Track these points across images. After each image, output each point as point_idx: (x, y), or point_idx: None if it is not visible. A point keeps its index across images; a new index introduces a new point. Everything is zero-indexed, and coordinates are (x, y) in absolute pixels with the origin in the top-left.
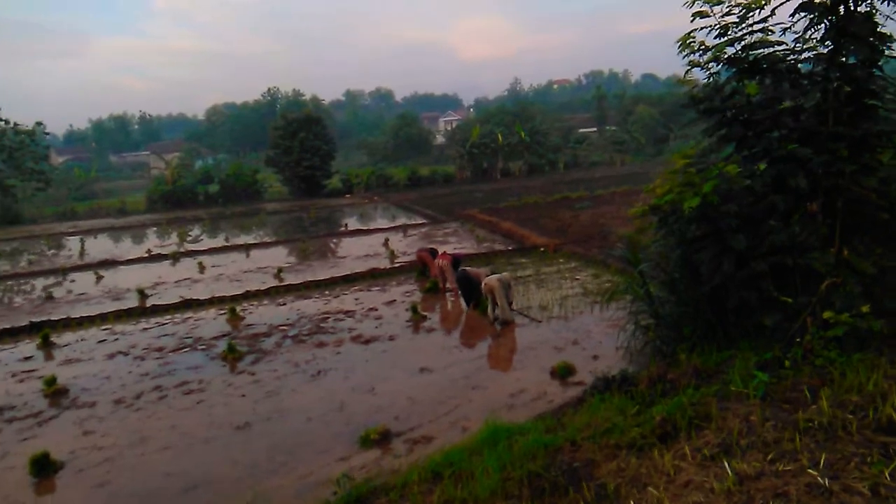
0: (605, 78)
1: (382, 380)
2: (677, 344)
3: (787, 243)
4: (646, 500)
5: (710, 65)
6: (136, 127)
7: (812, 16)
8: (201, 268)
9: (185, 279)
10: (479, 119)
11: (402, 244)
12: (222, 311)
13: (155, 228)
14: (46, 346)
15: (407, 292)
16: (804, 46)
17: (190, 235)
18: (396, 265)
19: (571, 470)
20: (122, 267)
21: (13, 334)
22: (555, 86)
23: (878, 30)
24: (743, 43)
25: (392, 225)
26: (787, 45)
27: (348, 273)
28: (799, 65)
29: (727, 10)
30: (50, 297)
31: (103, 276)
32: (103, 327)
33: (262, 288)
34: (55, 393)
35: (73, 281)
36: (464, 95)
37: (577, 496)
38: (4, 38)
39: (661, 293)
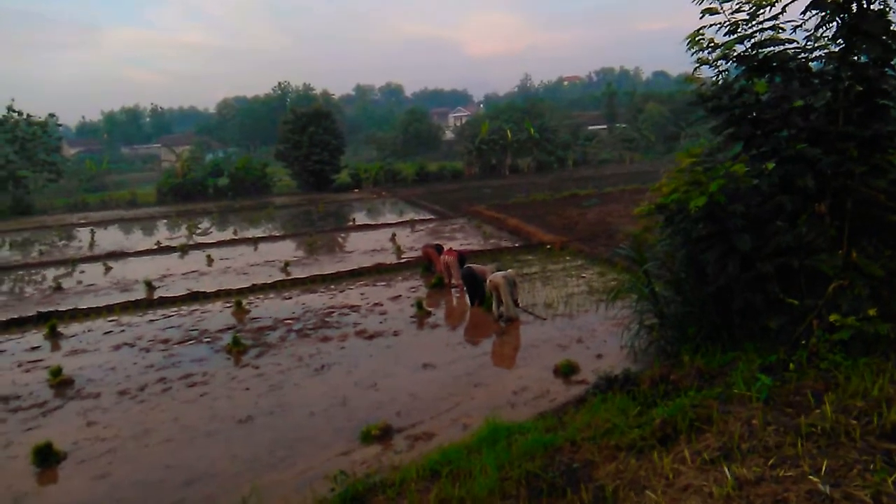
0: (615, 75)
1: (385, 375)
2: (681, 344)
3: (794, 244)
4: (644, 503)
5: (719, 62)
6: (148, 119)
7: (824, 13)
8: (209, 260)
9: (193, 271)
10: (489, 115)
11: (408, 240)
12: (228, 304)
13: (165, 221)
14: (53, 337)
15: (412, 288)
16: (815, 45)
17: (199, 228)
18: (402, 260)
19: (570, 471)
20: (131, 258)
21: (21, 324)
22: (565, 82)
23: (892, 28)
24: (753, 40)
25: (399, 220)
26: (797, 43)
27: (354, 268)
28: (810, 63)
29: (737, 6)
30: (59, 288)
31: (112, 268)
32: (110, 318)
33: (269, 281)
34: (60, 383)
35: (83, 272)
36: (474, 91)
37: (574, 498)
38: (19, 30)
39: (666, 293)
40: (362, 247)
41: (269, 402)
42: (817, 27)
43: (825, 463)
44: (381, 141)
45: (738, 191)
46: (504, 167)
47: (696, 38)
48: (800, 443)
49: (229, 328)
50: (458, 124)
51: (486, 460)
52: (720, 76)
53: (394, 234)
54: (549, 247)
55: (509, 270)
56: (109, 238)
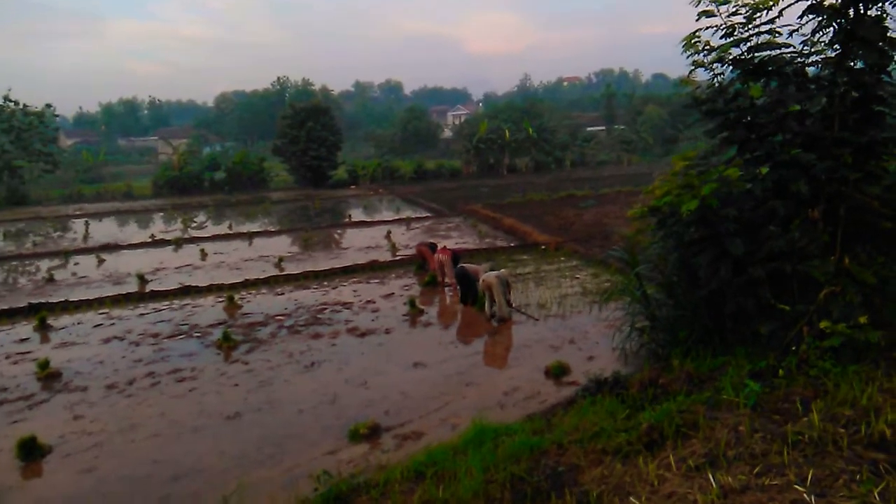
0: (615, 77)
1: (376, 373)
2: (672, 348)
3: (787, 250)
4: None
5: (715, 65)
6: (146, 112)
7: (821, 18)
8: (203, 255)
9: (187, 265)
10: (488, 114)
11: (404, 237)
12: (220, 299)
13: (160, 214)
14: (43, 329)
15: (406, 286)
16: (812, 49)
17: (194, 222)
18: (397, 258)
19: (555, 474)
20: (124, 251)
21: (11, 315)
22: (565, 83)
23: (889, 34)
24: (749, 44)
25: (396, 217)
26: (794, 47)
27: (348, 265)
28: (806, 68)
29: (734, 9)
30: (51, 280)
31: (105, 260)
32: (101, 311)
33: (262, 277)
34: (48, 376)
35: (77, 264)
36: (473, 90)
37: (558, 502)
38: (17, 19)
39: (658, 295)
40: (357, 244)
41: (258, 398)
42: (814, 32)
43: (811, 472)
44: (379, 138)
45: (732, 195)
46: (502, 166)
47: (692, 41)
48: (786, 451)
49: (220, 323)
50: (457, 123)
51: (472, 462)
52: (716, 79)
53: (389, 232)
54: (543, 247)
55: (503, 270)
56: (104, 230)
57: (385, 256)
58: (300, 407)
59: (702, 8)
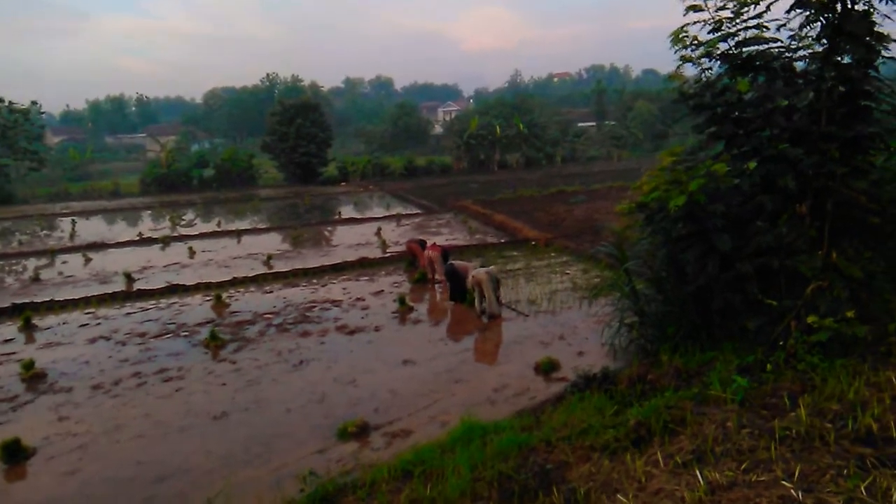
0: (605, 72)
1: (365, 371)
2: (661, 343)
3: (774, 245)
4: None
5: (703, 60)
6: (134, 109)
7: (808, 13)
8: (191, 253)
9: (174, 264)
10: (478, 110)
11: (394, 234)
12: (208, 298)
13: (148, 212)
14: (28, 329)
15: (395, 283)
16: (799, 44)
17: (183, 220)
18: (387, 255)
19: (543, 472)
20: (111, 250)
21: None
22: (555, 79)
23: (876, 29)
24: (737, 39)
25: (386, 214)
26: (781, 42)
27: (338, 262)
28: (793, 63)
29: (721, 4)
30: (37, 279)
31: (92, 259)
32: (86, 311)
33: (250, 275)
34: (33, 377)
35: (65, 262)
36: (464, 86)
37: (546, 500)
38: (2, 15)
39: (647, 291)
40: (347, 241)
41: (246, 397)
42: (801, 27)
43: (798, 467)
44: (369, 134)
45: (719, 190)
46: (492, 162)
47: (680, 36)
48: (773, 446)
49: (208, 322)
50: (448, 119)
51: (460, 460)
52: (703, 74)
53: (379, 229)
54: (534, 243)
55: (492, 267)
56: (91, 229)
57: (375, 253)
58: (288, 406)
59: (690, 2)
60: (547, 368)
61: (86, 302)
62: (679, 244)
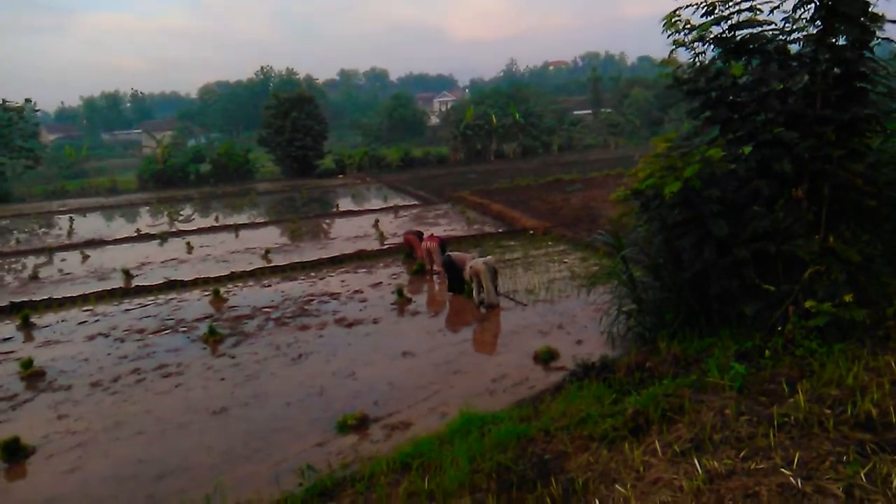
0: (601, 60)
1: (364, 364)
2: (659, 330)
3: (771, 230)
4: (613, 497)
5: (696, 44)
6: (129, 105)
7: None
8: (189, 248)
9: (172, 259)
10: (474, 100)
11: (392, 226)
12: (206, 293)
13: (146, 208)
14: (26, 327)
15: (394, 275)
16: (793, 26)
17: (181, 215)
18: (385, 247)
19: (541, 462)
20: (109, 247)
21: None
22: (551, 67)
23: (870, 9)
24: (730, 22)
25: (383, 206)
26: (775, 24)
27: (336, 255)
28: (787, 45)
29: None
30: (35, 277)
31: (90, 256)
32: (85, 308)
33: (249, 269)
34: (31, 375)
35: (63, 260)
36: (459, 76)
37: (544, 491)
38: None
39: (645, 278)
40: (345, 233)
41: (245, 392)
42: (795, 8)
43: (797, 454)
44: (365, 126)
45: (715, 176)
46: (489, 152)
47: (673, 20)
48: (772, 433)
49: (206, 317)
50: (444, 109)
51: (458, 452)
52: (697, 59)
53: (377, 221)
54: (531, 232)
55: (490, 257)
56: (89, 226)
57: (373, 245)
58: (287, 400)
59: None
60: (546, 358)
61: (84, 299)
62: (675, 230)
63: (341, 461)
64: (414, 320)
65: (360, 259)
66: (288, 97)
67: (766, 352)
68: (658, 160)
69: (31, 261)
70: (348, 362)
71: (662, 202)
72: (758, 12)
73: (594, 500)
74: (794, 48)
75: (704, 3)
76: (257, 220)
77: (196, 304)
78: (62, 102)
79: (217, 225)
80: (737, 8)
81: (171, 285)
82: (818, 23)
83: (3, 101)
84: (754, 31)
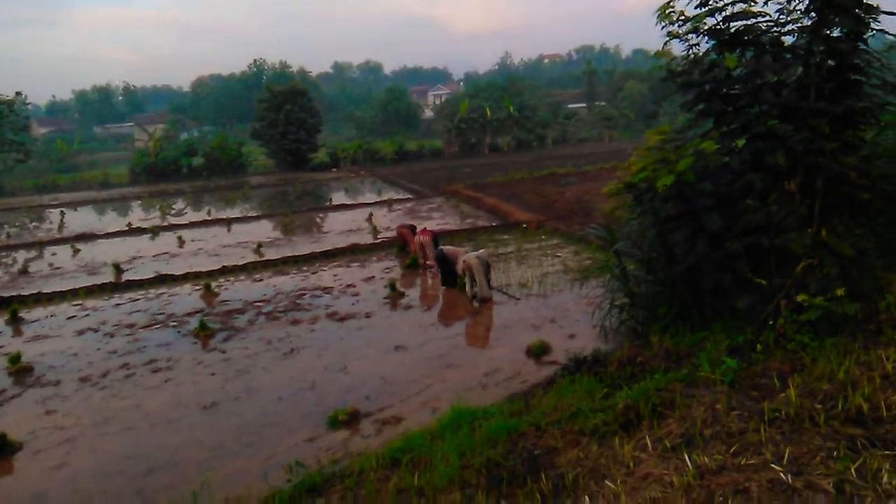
0: (595, 53)
1: (356, 358)
2: (651, 324)
3: (764, 223)
4: (603, 493)
5: (690, 36)
6: (120, 98)
7: None
8: (181, 242)
9: (164, 253)
10: (468, 93)
11: (385, 219)
12: (197, 287)
13: (138, 202)
14: (14, 322)
15: (387, 268)
16: (787, 18)
17: (173, 209)
18: (378, 241)
19: (532, 458)
20: (100, 241)
21: None
22: (545, 60)
23: (864, 1)
24: (724, 14)
25: (377, 200)
26: (769, 16)
27: (329, 248)
28: (782, 37)
29: None
30: (25, 271)
31: (80, 250)
32: (74, 303)
33: (240, 263)
34: (19, 371)
35: (54, 254)
36: (453, 69)
37: (533, 486)
38: None
39: (638, 272)
40: (338, 227)
41: (236, 387)
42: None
43: (788, 450)
44: (359, 119)
45: (708, 169)
46: (483, 146)
47: (667, 11)
48: (763, 429)
49: (197, 311)
50: (438, 102)
51: (448, 448)
52: (691, 51)
53: (371, 214)
54: (525, 226)
55: (482, 251)
56: (80, 220)
57: (366, 239)
58: (279, 395)
59: None
60: (538, 352)
61: (74, 294)
62: (668, 224)
63: (331, 456)
64: (407, 314)
65: (353, 253)
66: (281, 90)
67: (758, 346)
68: (651, 153)
69: (21, 255)
70: (340, 357)
71: (655, 195)
72: (752, 3)
73: (584, 495)
74: (788, 40)
75: None
76: (250, 214)
77: (187, 298)
78: (53, 96)
79: (209, 219)
80: None
81: (162, 279)
82: (813, 14)
83: None
84: (748, 22)
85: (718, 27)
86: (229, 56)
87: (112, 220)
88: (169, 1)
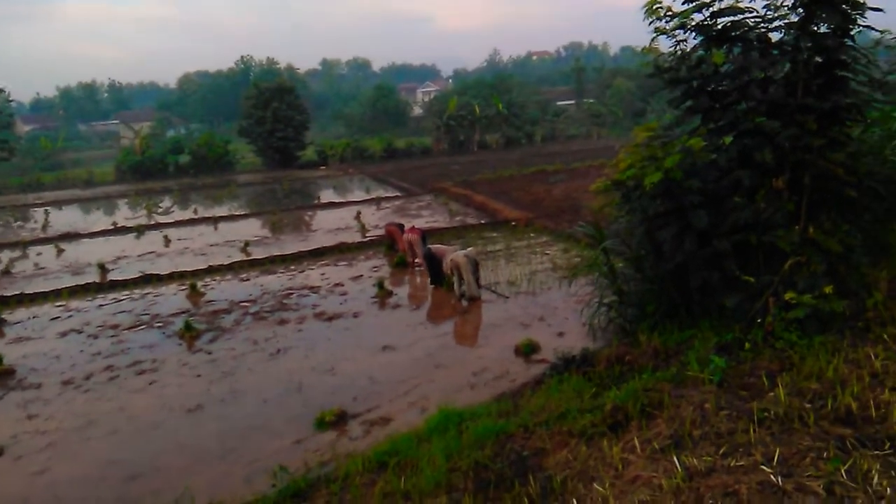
0: (584, 50)
1: (343, 359)
2: (640, 322)
3: (752, 220)
4: (591, 497)
5: (677, 32)
6: (106, 95)
7: None
8: (167, 241)
9: (149, 253)
10: (457, 91)
11: (374, 217)
12: (183, 287)
13: (124, 200)
14: None
15: (375, 267)
16: (775, 14)
17: (159, 207)
18: (366, 239)
19: (520, 460)
20: (85, 240)
21: None
22: (534, 57)
23: None
24: (711, 9)
25: (366, 198)
26: (757, 12)
27: (316, 247)
28: (769, 33)
29: None
30: (7, 272)
31: (64, 250)
32: (58, 304)
33: (227, 263)
34: (1, 374)
35: (38, 254)
36: (442, 66)
37: (521, 490)
38: None
39: (626, 270)
40: (327, 225)
41: (221, 389)
42: None
43: (777, 451)
44: (348, 117)
45: (696, 166)
46: (472, 143)
47: (654, 6)
48: (752, 429)
49: (182, 312)
50: (427, 100)
51: (435, 450)
52: (678, 47)
53: (359, 213)
54: (514, 224)
55: (470, 249)
56: (65, 219)
57: (354, 238)
58: (265, 397)
59: None
60: (527, 350)
61: (57, 294)
62: (656, 222)
63: (318, 459)
64: (395, 313)
65: (340, 252)
66: (269, 87)
67: (747, 344)
68: (639, 150)
69: (4, 255)
70: (328, 357)
71: (643, 193)
72: None
73: (572, 499)
74: (775, 36)
75: None
76: (237, 213)
77: (172, 298)
78: (37, 93)
79: (196, 217)
80: None
81: (147, 279)
82: (800, 10)
83: None
84: (736, 18)
85: (706, 23)
86: (216, 53)
87: (97, 219)
88: None
